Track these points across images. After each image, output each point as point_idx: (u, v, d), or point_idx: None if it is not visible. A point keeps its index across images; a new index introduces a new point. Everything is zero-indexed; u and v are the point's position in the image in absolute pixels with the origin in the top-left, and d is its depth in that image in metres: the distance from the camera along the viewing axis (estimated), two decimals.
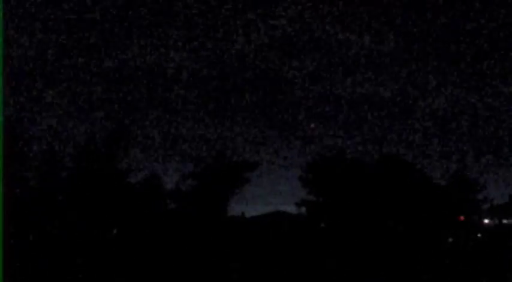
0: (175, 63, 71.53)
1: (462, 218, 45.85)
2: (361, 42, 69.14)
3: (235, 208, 44.13)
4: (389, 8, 68.25)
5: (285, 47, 71.43)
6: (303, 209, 46.87)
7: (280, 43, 71.92)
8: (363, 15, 69.73)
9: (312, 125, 68.87)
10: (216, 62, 72.93)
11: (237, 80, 73.81)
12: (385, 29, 71.54)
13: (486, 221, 44.96)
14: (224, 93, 74.69)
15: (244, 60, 71.95)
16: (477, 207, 46.75)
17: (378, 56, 71.16)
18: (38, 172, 36.97)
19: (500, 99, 76.91)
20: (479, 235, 46.44)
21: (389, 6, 69.71)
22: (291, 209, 49.01)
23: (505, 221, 47.18)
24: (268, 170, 54.11)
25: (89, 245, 33.25)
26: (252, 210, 54.48)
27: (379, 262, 33.96)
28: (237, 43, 70.23)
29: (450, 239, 45.21)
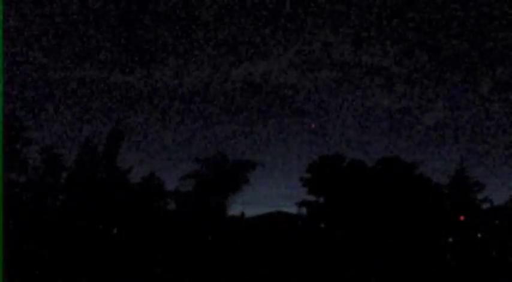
0: (176, 67, 71.78)
1: (462, 218, 45.82)
2: (362, 55, 70.17)
3: (235, 208, 44.22)
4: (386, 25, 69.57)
5: (295, 61, 72.23)
6: (304, 210, 46.96)
7: (286, 56, 72.72)
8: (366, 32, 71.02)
9: (313, 125, 68.94)
10: (217, 67, 73.33)
11: (238, 83, 74.08)
12: (385, 44, 72.68)
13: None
14: (225, 95, 74.88)
15: (247, 68, 72.46)
16: (477, 207, 46.72)
17: (378, 66, 72.00)
18: (38, 172, 36.95)
19: (500, 99, 76.91)
20: (479, 235, 46.39)
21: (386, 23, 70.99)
22: (292, 209, 49.14)
23: None
24: (269, 170, 54.19)
25: (89, 244, 33.24)
26: (252, 211, 54.53)
27: (379, 262, 33.94)
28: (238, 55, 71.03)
29: (450, 239, 45.17)
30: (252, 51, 74.64)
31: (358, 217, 42.98)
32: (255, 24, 72.82)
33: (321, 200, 46.34)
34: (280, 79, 76.51)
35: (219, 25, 72.22)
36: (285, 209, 50.59)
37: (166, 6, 69.66)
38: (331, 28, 72.25)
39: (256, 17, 70.22)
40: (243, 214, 46.70)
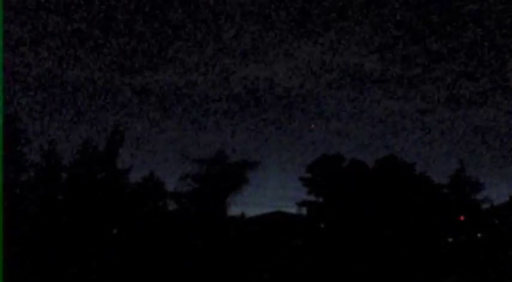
0: (177, 68, 71.93)
1: (462, 218, 45.82)
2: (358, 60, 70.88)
3: (235, 208, 44.14)
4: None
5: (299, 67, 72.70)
6: (304, 210, 46.96)
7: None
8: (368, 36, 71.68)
9: (313, 125, 69.03)
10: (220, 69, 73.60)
11: (238, 85, 74.20)
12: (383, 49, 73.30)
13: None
14: (225, 96, 75.00)
15: (247, 70, 72.72)
16: (477, 207, 46.72)
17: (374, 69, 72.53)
18: (37, 172, 36.92)
19: (500, 99, 76.97)
20: (479, 235, 46.40)
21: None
22: (292, 209, 49.13)
23: None
24: (269, 170, 54.23)
25: (88, 244, 33.22)
26: (252, 211, 54.43)
27: (379, 261, 33.94)
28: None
29: (450, 239, 45.18)
30: (253, 54, 74.79)
31: (358, 217, 42.98)
32: (256, 28, 73.04)
33: (321, 200, 46.33)
34: (280, 80, 76.65)
35: (221, 28, 72.34)
36: (285, 209, 50.58)
37: (169, 8, 69.75)
38: (332, 32, 72.55)
39: (258, 21, 70.49)
40: (243, 214, 46.66)
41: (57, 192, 37.48)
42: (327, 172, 45.80)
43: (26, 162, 35.98)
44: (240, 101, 78.14)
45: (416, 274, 30.10)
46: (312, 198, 46.79)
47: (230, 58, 74.76)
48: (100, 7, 64.58)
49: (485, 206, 46.97)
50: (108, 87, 73.94)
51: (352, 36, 73.53)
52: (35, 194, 36.22)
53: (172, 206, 42.39)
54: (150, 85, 71.94)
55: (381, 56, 73.27)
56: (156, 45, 71.65)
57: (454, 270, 32.55)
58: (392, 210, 42.99)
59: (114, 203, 37.16)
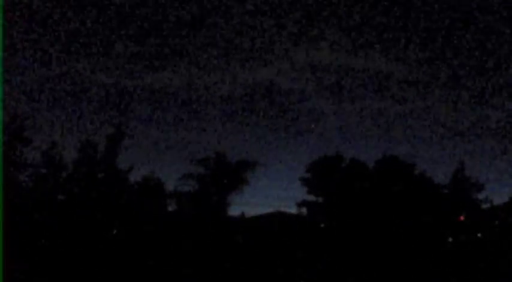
0: (177, 69, 72.01)
1: (462, 218, 45.78)
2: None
3: (235, 208, 44.14)
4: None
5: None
6: (304, 210, 46.86)
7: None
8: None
9: (313, 125, 69.06)
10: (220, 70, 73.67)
11: (238, 85, 74.26)
12: (377, 48, 73.41)
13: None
14: (225, 96, 75.02)
15: (248, 71, 72.76)
16: (477, 207, 46.66)
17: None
18: (37, 172, 36.94)
19: (500, 99, 77.01)
20: (479, 235, 46.37)
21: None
22: (292, 209, 49.07)
23: None
24: (269, 170, 54.24)
25: (88, 244, 33.22)
26: (252, 211, 54.38)
27: (379, 262, 33.94)
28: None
29: (450, 239, 45.16)
30: (253, 54, 74.81)
31: (358, 217, 42.93)
32: (256, 29, 73.12)
33: (321, 200, 46.25)
34: (280, 81, 76.70)
35: (221, 29, 72.46)
36: (285, 209, 50.49)
37: (170, 10, 69.86)
38: (332, 33, 72.59)
39: (258, 21, 70.61)
40: (243, 214, 46.61)
41: (57, 192, 37.49)
42: (327, 172, 45.73)
43: (26, 162, 36.00)
44: (240, 101, 78.20)
45: (416, 274, 30.10)
46: (312, 198, 46.72)
47: (231, 59, 74.74)
48: (101, 8, 64.61)
49: (485, 206, 46.90)
50: (108, 87, 74.04)
51: (352, 36, 73.52)
52: (35, 194, 36.23)
53: (172, 206, 42.42)
54: (150, 85, 72.04)
55: (382, 57, 73.27)
56: (157, 46, 71.70)
57: (454, 270, 32.55)
58: (392, 210, 42.94)
59: (114, 203, 37.17)
